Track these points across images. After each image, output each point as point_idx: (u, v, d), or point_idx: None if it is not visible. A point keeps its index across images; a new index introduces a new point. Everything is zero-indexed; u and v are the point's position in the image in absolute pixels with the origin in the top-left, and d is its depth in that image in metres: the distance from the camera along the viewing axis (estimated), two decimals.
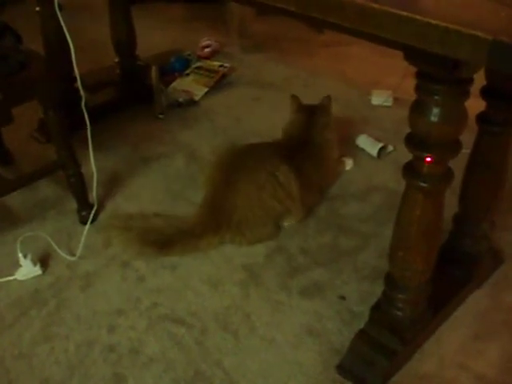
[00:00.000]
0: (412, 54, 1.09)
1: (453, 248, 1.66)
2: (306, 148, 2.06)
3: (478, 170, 1.57)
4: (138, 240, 1.85)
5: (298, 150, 2.04)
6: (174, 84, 2.78)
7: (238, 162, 1.94)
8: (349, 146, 2.37)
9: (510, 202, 1.85)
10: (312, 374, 1.54)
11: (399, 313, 1.48)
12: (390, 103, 2.57)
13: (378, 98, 2.61)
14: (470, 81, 1.16)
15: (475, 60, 0.81)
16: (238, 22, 3.21)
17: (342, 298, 1.74)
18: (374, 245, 1.93)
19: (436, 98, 1.14)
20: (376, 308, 1.54)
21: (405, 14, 0.83)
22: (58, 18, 2.14)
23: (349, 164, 2.27)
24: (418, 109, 1.18)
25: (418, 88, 1.17)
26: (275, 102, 2.70)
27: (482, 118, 1.47)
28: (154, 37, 3.11)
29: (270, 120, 2.56)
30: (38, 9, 2.16)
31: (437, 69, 1.08)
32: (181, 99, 2.66)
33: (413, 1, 0.95)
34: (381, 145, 2.29)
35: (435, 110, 1.15)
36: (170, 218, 1.96)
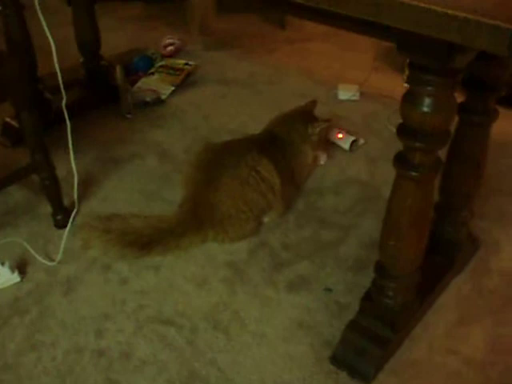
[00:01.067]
0: (406, 45, 1.11)
1: (434, 235, 1.69)
2: (280, 143, 2.07)
3: (458, 159, 1.61)
4: (117, 242, 1.82)
5: (273, 144, 2.04)
6: (138, 83, 2.73)
7: (218, 160, 1.92)
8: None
9: (483, 191, 1.90)
10: (306, 367, 1.55)
11: (390, 301, 1.50)
12: (357, 97, 2.58)
13: (345, 93, 2.62)
14: (461, 71, 1.19)
15: (495, 50, 0.82)
16: (198, 20, 3.19)
17: (329, 289, 1.76)
18: (353, 236, 1.96)
19: (429, 88, 1.16)
20: (366, 298, 1.56)
21: (422, 4, 0.84)
22: (21, 17, 2.09)
23: (322, 158, 2.29)
24: (410, 100, 1.20)
25: (410, 79, 1.19)
26: (242, 99, 2.70)
27: (462, 108, 1.51)
28: (113, 36, 3.03)
29: (238, 117, 2.56)
30: (0, 8, 2.09)
31: (431, 59, 1.10)
32: (148, 98, 2.62)
33: None
34: (352, 138, 2.31)
35: (428, 101, 1.17)
36: (149, 218, 1.93)
